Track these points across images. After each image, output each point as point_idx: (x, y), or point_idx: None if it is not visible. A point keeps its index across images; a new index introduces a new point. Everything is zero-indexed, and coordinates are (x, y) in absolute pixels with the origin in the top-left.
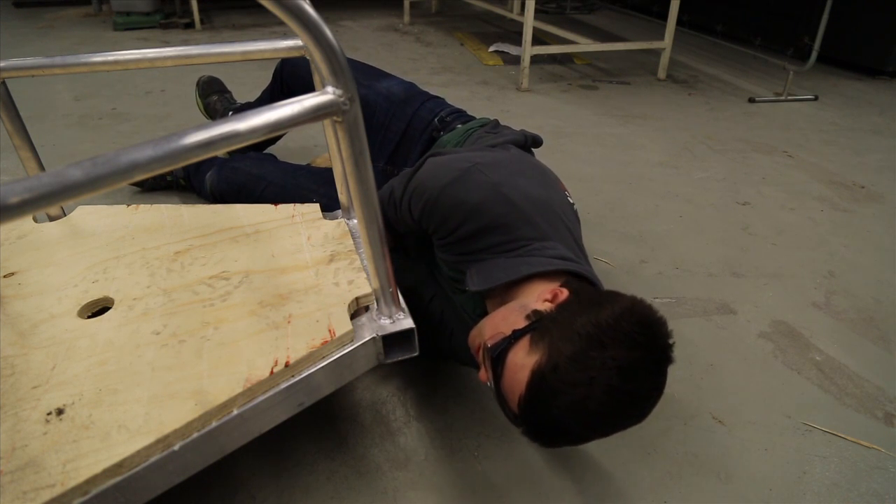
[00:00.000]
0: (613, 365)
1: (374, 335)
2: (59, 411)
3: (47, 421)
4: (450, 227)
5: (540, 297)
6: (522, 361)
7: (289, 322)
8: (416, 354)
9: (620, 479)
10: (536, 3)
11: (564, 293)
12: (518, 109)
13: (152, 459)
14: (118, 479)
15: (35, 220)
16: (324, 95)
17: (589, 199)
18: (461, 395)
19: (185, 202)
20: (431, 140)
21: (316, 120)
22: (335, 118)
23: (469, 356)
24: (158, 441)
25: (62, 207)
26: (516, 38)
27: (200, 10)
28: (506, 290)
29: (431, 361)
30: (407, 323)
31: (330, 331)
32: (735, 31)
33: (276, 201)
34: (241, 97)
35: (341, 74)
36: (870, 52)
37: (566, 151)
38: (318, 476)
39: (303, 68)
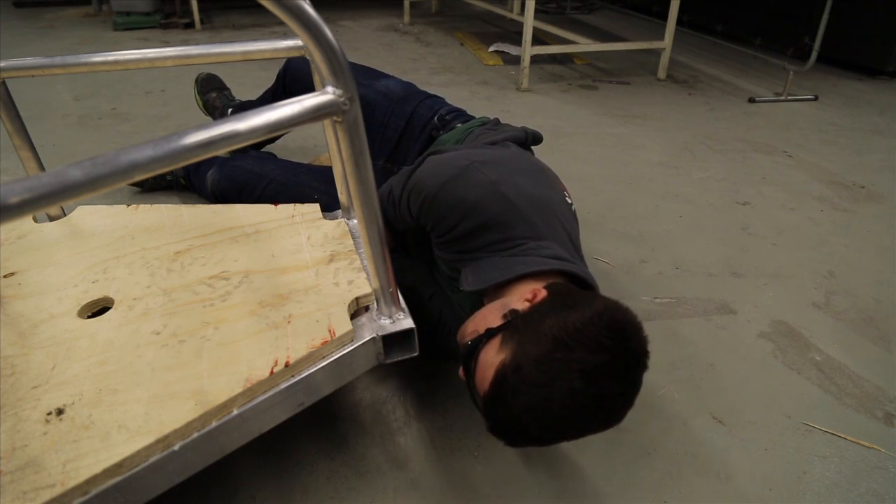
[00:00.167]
0: (577, 368)
1: (374, 335)
2: (59, 411)
3: (47, 421)
4: (448, 224)
5: (522, 296)
6: (491, 360)
7: (289, 322)
8: (416, 354)
9: (620, 479)
10: (536, 3)
11: (543, 293)
12: (518, 109)
13: (152, 459)
14: (118, 479)
15: (35, 220)
16: (324, 95)
17: (589, 199)
18: (461, 395)
19: (185, 202)
20: (431, 138)
21: (316, 120)
22: (335, 118)
23: None
24: (158, 441)
25: (62, 207)
26: (516, 38)
27: (200, 10)
28: (500, 289)
29: (431, 361)
30: (407, 323)
31: (330, 331)
32: (735, 31)
33: (277, 199)
34: (240, 97)
35: (341, 74)
36: (870, 52)
37: (566, 151)
38: (318, 476)
39: (305, 73)
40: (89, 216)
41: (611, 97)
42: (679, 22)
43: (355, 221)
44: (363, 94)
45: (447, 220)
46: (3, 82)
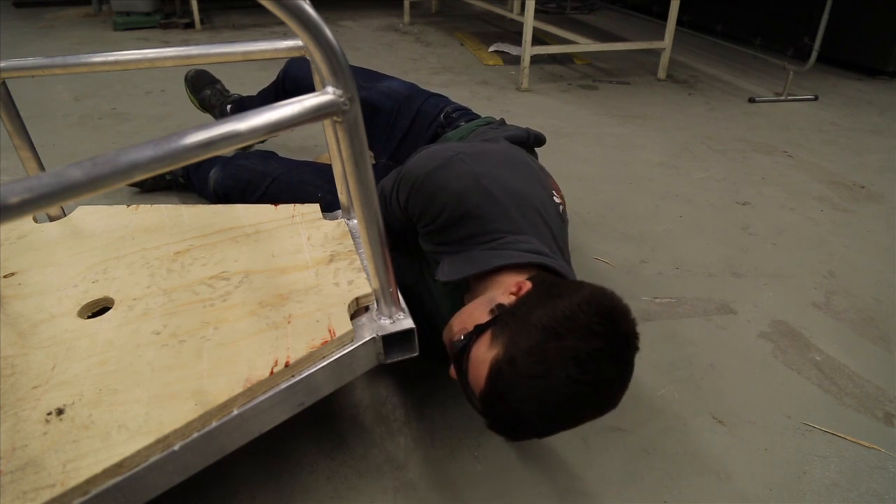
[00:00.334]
0: (571, 356)
1: (374, 335)
2: (59, 411)
3: (47, 421)
4: (432, 213)
5: (507, 290)
6: (483, 356)
7: (289, 322)
8: (416, 354)
9: (620, 479)
10: (536, 3)
11: (528, 285)
12: (518, 109)
13: (152, 459)
14: (118, 479)
15: (35, 220)
16: (324, 95)
17: (589, 199)
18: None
19: (184, 202)
20: (436, 136)
21: (316, 120)
22: (335, 118)
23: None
24: (158, 441)
25: (62, 207)
26: (516, 38)
27: (200, 10)
28: (480, 284)
29: (431, 362)
30: (407, 323)
31: (330, 331)
32: (735, 31)
33: (280, 197)
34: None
35: (341, 74)
36: (870, 52)
37: (566, 151)
38: (318, 476)
39: (304, 80)
40: (89, 216)
41: (611, 97)
42: (679, 22)
43: (355, 221)
44: (365, 96)
45: (431, 209)
46: (3, 82)
